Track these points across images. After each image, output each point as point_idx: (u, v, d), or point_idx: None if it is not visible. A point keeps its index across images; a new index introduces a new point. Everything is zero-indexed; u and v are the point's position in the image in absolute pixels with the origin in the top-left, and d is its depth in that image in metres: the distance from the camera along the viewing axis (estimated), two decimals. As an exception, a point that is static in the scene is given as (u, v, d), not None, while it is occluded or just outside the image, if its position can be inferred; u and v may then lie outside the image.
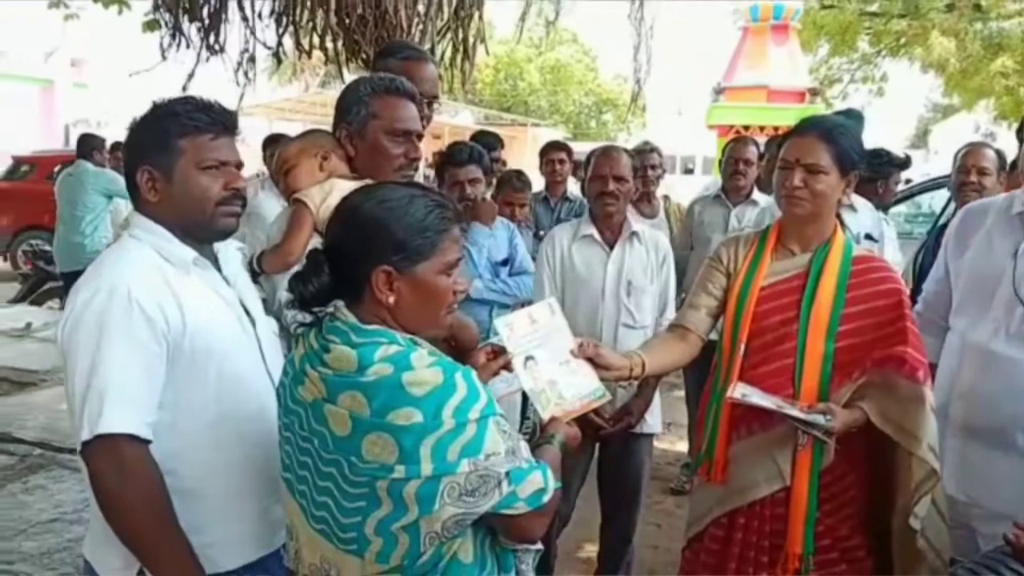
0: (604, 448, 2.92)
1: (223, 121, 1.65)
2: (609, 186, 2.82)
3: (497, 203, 3.89)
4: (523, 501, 1.31)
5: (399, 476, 1.24)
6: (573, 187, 5.24)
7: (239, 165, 1.69)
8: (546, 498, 1.35)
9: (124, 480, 1.47)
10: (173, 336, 1.55)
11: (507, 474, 1.30)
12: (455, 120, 26.37)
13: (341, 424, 1.29)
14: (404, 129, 2.01)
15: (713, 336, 2.22)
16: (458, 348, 1.92)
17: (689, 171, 24.38)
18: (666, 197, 4.96)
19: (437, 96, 2.56)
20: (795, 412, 1.88)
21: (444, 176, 3.36)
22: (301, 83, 21.77)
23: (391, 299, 1.36)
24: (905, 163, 4.14)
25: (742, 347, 2.04)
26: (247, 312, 1.73)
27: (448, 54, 4.17)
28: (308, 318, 1.42)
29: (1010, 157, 3.29)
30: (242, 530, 1.67)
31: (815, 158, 1.98)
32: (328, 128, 2.15)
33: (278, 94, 22.15)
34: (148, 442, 1.51)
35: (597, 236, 2.88)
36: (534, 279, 3.01)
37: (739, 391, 1.93)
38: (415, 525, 1.26)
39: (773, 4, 13.49)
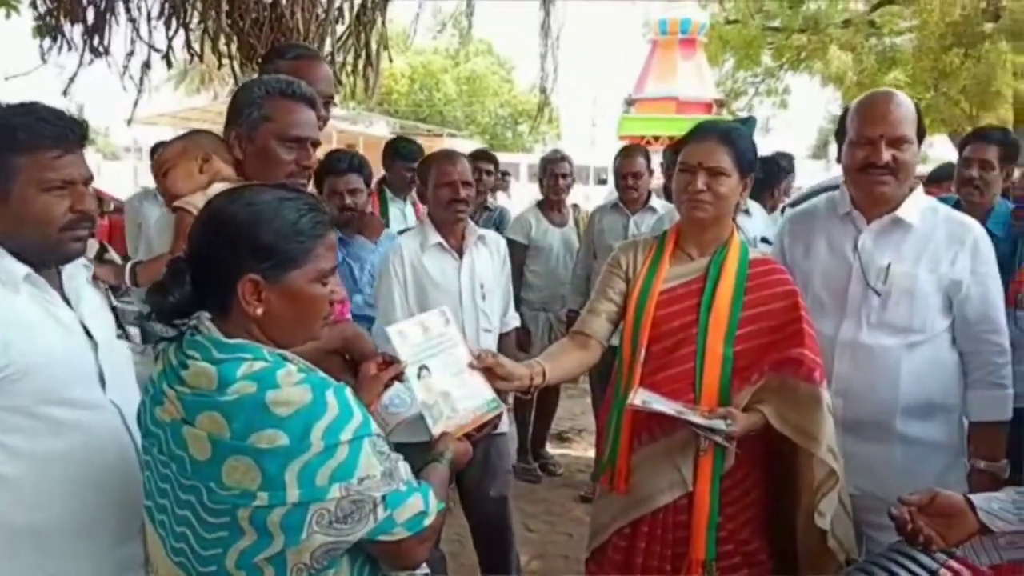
0: None
1: (69, 134, 1.48)
2: (460, 192, 2.76)
3: None
4: (401, 526, 1.24)
5: (262, 504, 1.15)
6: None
7: (88, 180, 1.52)
8: (428, 521, 1.28)
9: None
10: None
11: (383, 498, 1.22)
12: (370, 130, 26.03)
13: (200, 447, 1.18)
14: (297, 135, 1.90)
15: (615, 341, 2.19)
16: (354, 361, 1.83)
17: (603, 182, 24.66)
18: (575, 206, 4.96)
19: (332, 96, 2.46)
20: (696, 418, 1.86)
21: (323, 186, 3.19)
22: (210, 92, 21.17)
23: (259, 310, 1.25)
24: (790, 167, 4.44)
25: (642, 352, 2.00)
26: (89, 335, 1.57)
27: (350, 61, 4.05)
28: (172, 332, 1.31)
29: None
30: (79, 570, 1.51)
31: (717, 161, 1.98)
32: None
33: (186, 104, 21.46)
34: None
35: (445, 244, 2.81)
36: (381, 292, 2.84)
37: (640, 398, 1.89)
38: (281, 556, 1.17)
39: (680, 18, 13.84)
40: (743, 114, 18.37)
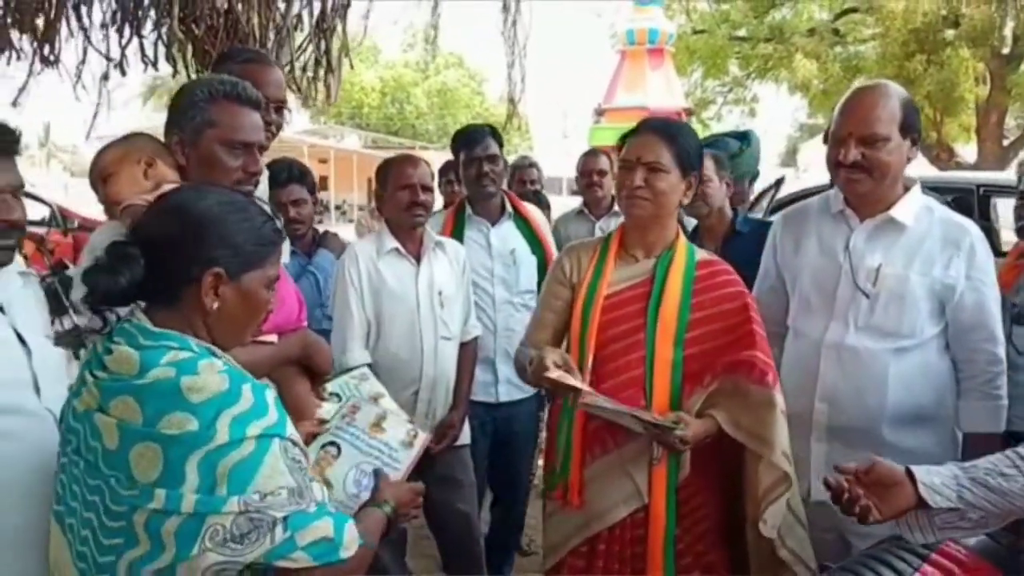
0: (429, 469, 2.73)
1: None
2: (420, 196, 2.67)
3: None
4: (303, 551, 1.17)
5: (158, 507, 1.11)
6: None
7: (15, 189, 1.52)
8: (343, 553, 1.21)
9: None
10: None
11: (285, 518, 1.16)
12: (341, 144, 26.00)
13: (111, 435, 1.16)
14: (243, 140, 1.82)
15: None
16: (311, 371, 1.84)
17: (576, 192, 24.76)
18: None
19: (284, 101, 2.40)
20: (642, 415, 1.80)
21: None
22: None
23: (215, 304, 1.25)
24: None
25: (590, 359, 1.94)
26: (23, 342, 1.52)
27: (311, 67, 4.00)
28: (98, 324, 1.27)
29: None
30: None
31: (655, 156, 1.93)
32: None
33: (155, 120, 21.25)
34: None
35: (402, 249, 2.72)
36: (336, 300, 2.75)
37: (588, 399, 1.82)
38: (171, 570, 1.12)
39: (648, 28, 13.90)
40: (713, 123, 18.55)
